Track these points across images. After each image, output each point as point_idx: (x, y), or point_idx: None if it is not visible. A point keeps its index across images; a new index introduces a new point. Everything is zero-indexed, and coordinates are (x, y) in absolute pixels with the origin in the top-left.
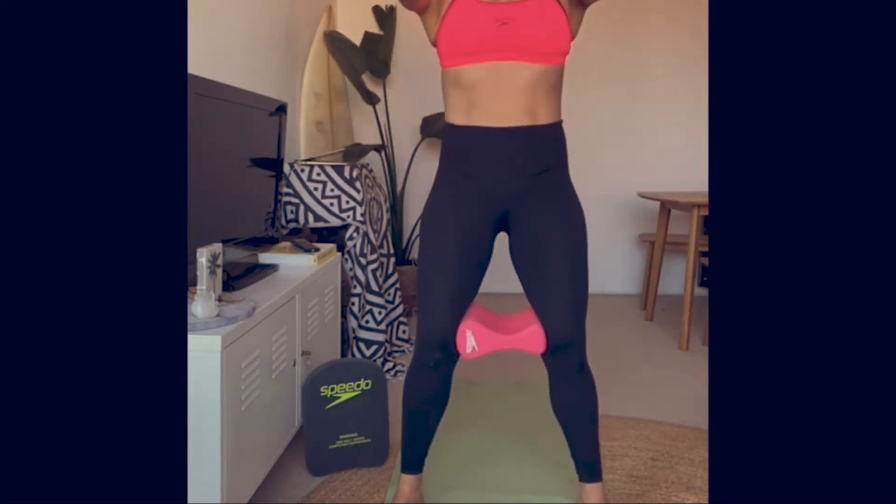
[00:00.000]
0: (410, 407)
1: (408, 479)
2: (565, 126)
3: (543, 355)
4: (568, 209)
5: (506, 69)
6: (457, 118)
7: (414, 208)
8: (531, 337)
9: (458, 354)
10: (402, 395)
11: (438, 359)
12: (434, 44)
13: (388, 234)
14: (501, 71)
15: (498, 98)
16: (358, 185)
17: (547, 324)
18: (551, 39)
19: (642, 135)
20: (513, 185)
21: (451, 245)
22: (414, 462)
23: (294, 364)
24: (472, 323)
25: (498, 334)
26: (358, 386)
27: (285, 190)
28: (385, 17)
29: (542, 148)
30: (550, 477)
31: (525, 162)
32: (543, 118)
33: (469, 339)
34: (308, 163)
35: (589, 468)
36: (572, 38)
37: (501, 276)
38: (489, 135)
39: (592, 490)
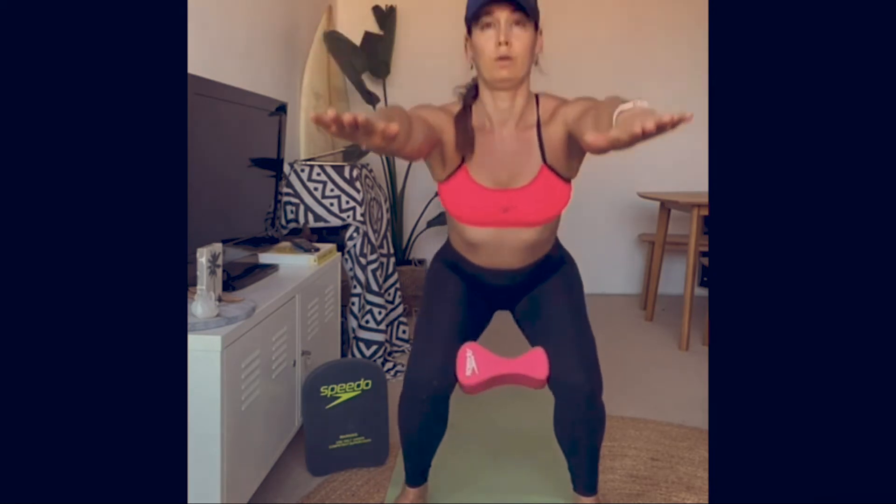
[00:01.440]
0: (408, 434)
1: (412, 491)
2: None
3: (550, 384)
4: (564, 278)
5: (507, 234)
6: (458, 248)
7: (414, 208)
8: (534, 360)
9: (454, 382)
10: (398, 420)
11: (434, 389)
12: (436, 183)
13: (388, 234)
14: (503, 236)
15: (499, 254)
16: (358, 185)
17: (554, 359)
18: (552, 212)
19: None
20: (513, 294)
21: (453, 298)
22: (417, 476)
23: (294, 364)
24: (473, 345)
25: (499, 358)
26: (358, 386)
27: (285, 190)
28: (385, 17)
29: (541, 266)
30: (552, 478)
31: (523, 282)
32: (543, 253)
33: (469, 360)
34: (308, 163)
35: (585, 483)
36: (573, 178)
37: None
38: (491, 272)
39: (587, 500)
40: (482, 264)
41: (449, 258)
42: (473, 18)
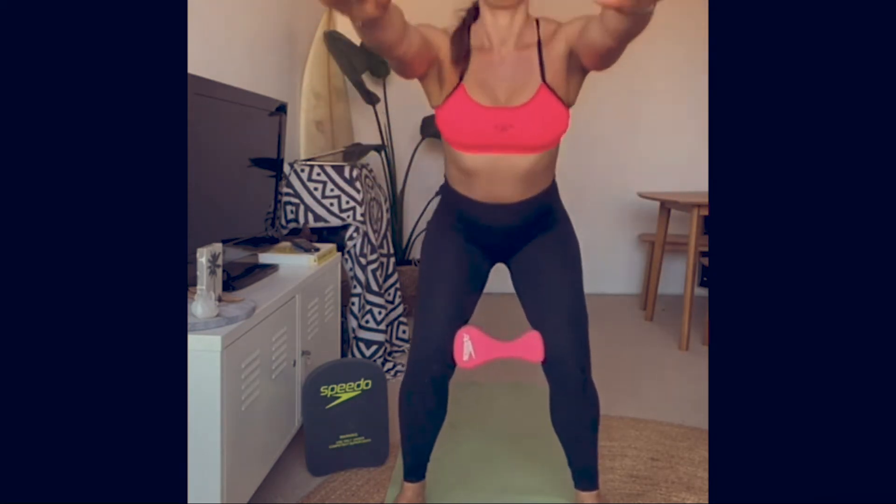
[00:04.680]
0: (409, 421)
1: (411, 487)
2: None
3: (545, 367)
4: (562, 238)
5: (504, 161)
6: (455, 185)
7: (414, 208)
8: (530, 344)
9: (454, 367)
10: (399, 408)
11: (435, 373)
12: (434, 111)
13: (388, 234)
14: (500, 163)
15: (496, 184)
16: (358, 185)
17: (549, 342)
18: (550, 135)
19: (642, 135)
20: (509, 240)
21: (452, 268)
22: (416, 470)
23: (294, 364)
24: (470, 329)
25: (496, 341)
26: (358, 386)
27: (285, 190)
28: None
29: (538, 210)
30: (551, 478)
31: (521, 225)
32: (540, 188)
33: (466, 345)
34: (308, 163)
35: (585, 477)
36: (572, 104)
37: (502, 276)
38: (487, 208)
39: (588, 498)
40: (479, 198)
41: (445, 206)
42: None
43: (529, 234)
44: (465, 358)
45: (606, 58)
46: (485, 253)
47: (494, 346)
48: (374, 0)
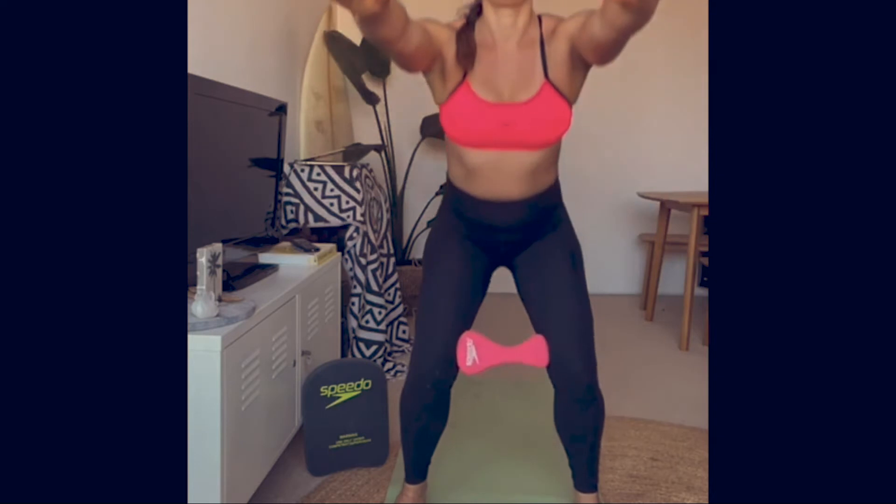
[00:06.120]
0: (410, 425)
1: (412, 488)
2: None
3: (549, 372)
4: (565, 240)
5: (507, 158)
6: (457, 181)
7: (414, 208)
8: (534, 348)
9: (456, 373)
10: (400, 412)
11: (437, 377)
12: (438, 108)
13: (388, 234)
14: (503, 159)
15: (499, 181)
16: (358, 185)
17: (554, 348)
18: (553, 132)
19: (642, 134)
20: (512, 240)
21: (454, 272)
22: (417, 471)
23: (294, 364)
24: (474, 334)
25: (499, 347)
26: (358, 386)
27: (285, 190)
28: None
29: (540, 209)
30: (551, 478)
31: (523, 224)
32: (543, 186)
33: (470, 350)
34: (308, 163)
35: (586, 479)
36: (574, 101)
37: (503, 276)
38: (489, 206)
39: (587, 499)
40: (481, 195)
41: (447, 206)
42: None
43: (532, 234)
44: (469, 363)
45: (608, 51)
46: (487, 255)
47: (498, 352)
48: None
